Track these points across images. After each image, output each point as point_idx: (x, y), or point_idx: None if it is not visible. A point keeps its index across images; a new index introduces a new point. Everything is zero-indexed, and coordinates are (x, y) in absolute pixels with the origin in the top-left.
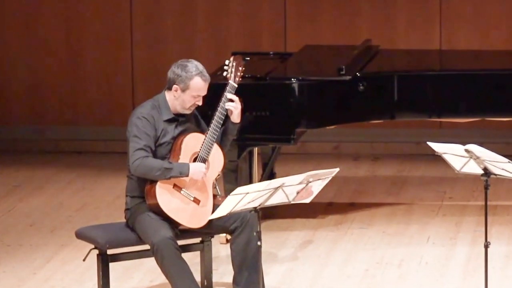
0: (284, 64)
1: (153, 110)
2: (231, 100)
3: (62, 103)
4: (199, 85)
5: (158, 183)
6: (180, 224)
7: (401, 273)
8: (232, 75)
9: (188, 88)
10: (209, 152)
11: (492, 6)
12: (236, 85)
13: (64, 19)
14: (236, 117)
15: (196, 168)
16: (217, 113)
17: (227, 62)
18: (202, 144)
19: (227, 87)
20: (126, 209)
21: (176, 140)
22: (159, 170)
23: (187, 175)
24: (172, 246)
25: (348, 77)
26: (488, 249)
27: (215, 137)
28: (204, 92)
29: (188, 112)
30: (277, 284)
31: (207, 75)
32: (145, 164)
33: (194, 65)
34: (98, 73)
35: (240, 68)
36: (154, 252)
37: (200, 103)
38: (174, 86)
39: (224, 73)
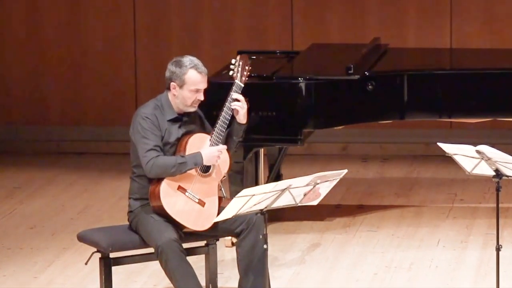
0: (290, 63)
1: (156, 110)
2: (237, 100)
3: (63, 103)
4: (194, 78)
5: (163, 185)
6: (184, 227)
7: (410, 277)
8: (239, 74)
9: (185, 83)
10: None
11: (504, 3)
12: (243, 85)
13: (66, 19)
14: (242, 118)
15: (209, 154)
16: (222, 113)
17: (233, 61)
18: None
19: (233, 87)
20: (129, 212)
21: (181, 140)
22: (173, 167)
23: (202, 164)
24: (177, 248)
25: (356, 77)
26: (500, 253)
27: (221, 138)
28: (202, 85)
29: (192, 109)
30: None
31: (203, 67)
32: (158, 164)
33: (188, 59)
34: (101, 73)
35: (247, 68)
36: (159, 254)
37: (201, 98)
38: (172, 84)
39: (230, 73)
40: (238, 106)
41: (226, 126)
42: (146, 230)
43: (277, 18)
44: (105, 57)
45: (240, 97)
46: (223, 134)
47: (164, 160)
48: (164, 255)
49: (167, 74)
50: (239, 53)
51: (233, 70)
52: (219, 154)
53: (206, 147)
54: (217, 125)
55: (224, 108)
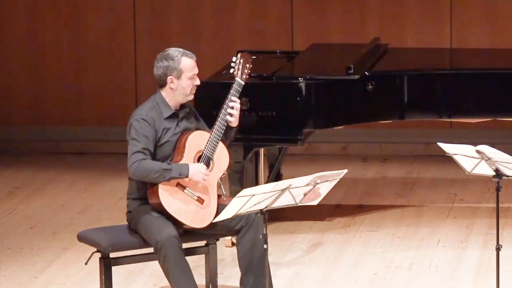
0: (291, 63)
1: (152, 111)
2: (234, 101)
3: (63, 103)
4: (189, 64)
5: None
6: (183, 224)
7: (410, 277)
8: (239, 72)
9: (183, 71)
10: (214, 151)
11: (504, 3)
12: (243, 83)
13: (66, 19)
14: (234, 123)
15: (196, 169)
16: (223, 111)
17: (234, 59)
18: (207, 143)
19: (234, 85)
20: (128, 212)
21: (180, 138)
22: (157, 172)
23: (187, 176)
24: (176, 245)
25: (356, 76)
26: (500, 253)
27: (221, 135)
28: (196, 69)
29: (191, 97)
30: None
31: (191, 53)
32: (143, 167)
33: (174, 50)
34: (101, 73)
35: (248, 66)
36: (158, 250)
37: (198, 83)
38: (169, 78)
39: (231, 70)
40: (233, 112)
41: (226, 124)
42: (146, 228)
43: (277, 18)
44: (105, 57)
45: (236, 104)
46: (223, 131)
47: (150, 164)
48: (163, 251)
49: (159, 71)
50: (239, 52)
51: (234, 68)
52: (205, 177)
53: (205, 144)
54: (217, 123)
55: (224, 106)
